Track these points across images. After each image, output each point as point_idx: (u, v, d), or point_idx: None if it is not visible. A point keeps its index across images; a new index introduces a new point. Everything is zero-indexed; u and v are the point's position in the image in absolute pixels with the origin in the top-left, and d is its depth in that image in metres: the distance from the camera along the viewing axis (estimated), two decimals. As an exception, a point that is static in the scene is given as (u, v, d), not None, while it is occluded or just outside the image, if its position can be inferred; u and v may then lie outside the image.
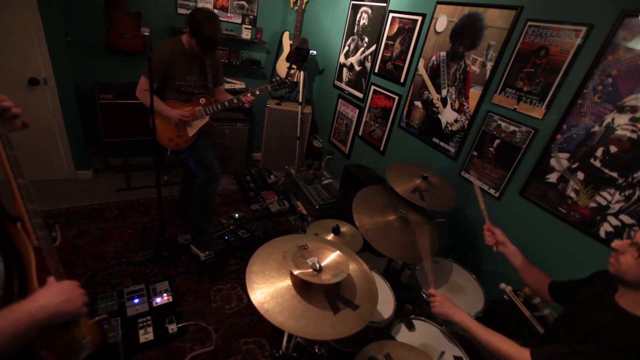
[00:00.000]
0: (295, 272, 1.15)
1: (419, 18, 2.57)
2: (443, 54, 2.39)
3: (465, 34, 2.22)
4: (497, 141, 2.06)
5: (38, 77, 2.65)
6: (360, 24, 3.27)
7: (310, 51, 3.46)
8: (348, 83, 3.54)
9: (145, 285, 2.10)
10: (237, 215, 2.95)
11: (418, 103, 2.64)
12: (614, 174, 1.55)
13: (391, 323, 1.56)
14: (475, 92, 2.18)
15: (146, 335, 1.84)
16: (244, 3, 3.37)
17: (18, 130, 0.92)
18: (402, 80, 2.79)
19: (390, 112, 2.94)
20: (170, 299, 2.05)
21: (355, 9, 3.33)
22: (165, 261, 2.42)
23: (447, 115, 2.39)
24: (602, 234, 1.60)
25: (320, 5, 3.70)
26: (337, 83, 3.73)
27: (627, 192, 1.51)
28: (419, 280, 1.83)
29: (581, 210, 1.68)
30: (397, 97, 2.86)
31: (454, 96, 2.34)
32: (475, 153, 2.20)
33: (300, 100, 3.47)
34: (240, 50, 3.53)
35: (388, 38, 2.92)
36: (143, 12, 2.91)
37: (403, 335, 1.52)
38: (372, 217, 1.84)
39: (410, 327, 1.56)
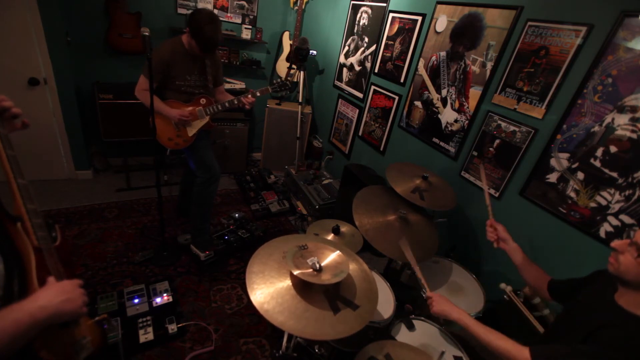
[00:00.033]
0: (295, 272, 1.15)
1: (419, 18, 2.57)
2: (443, 54, 2.39)
3: (465, 34, 2.22)
4: (497, 141, 2.06)
5: (38, 77, 2.65)
6: (360, 24, 3.27)
7: (310, 51, 3.46)
8: (348, 83, 3.54)
9: (145, 285, 2.10)
10: (237, 215, 2.95)
11: (418, 103, 2.64)
12: (614, 174, 1.55)
13: (391, 323, 1.56)
14: (475, 92, 2.18)
15: (146, 335, 1.84)
16: (244, 3, 3.37)
17: (18, 130, 0.92)
18: (402, 80, 2.79)
19: (390, 112, 2.94)
20: (170, 299, 2.05)
21: (355, 9, 3.32)
22: (165, 261, 2.42)
23: (447, 115, 2.39)
24: (602, 234, 1.60)
25: (320, 5, 3.70)
26: (337, 83, 3.73)
27: (627, 192, 1.51)
28: (418, 280, 1.82)
29: (581, 210, 1.68)
30: (397, 97, 2.86)
31: (454, 96, 2.34)
32: (475, 153, 2.20)
33: (300, 100, 3.47)
34: (240, 50, 3.53)
35: (388, 38, 2.92)
36: (143, 12, 2.91)
37: (403, 335, 1.52)
38: (372, 217, 1.84)
39: (410, 327, 1.56)
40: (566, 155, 1.73)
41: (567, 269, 1.74)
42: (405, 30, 2.72)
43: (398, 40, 2.81)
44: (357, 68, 3.36)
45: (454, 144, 2.36)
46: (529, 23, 1.86)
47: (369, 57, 3.17)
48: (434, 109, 2.50)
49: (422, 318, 1.61)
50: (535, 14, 1.85)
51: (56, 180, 3.09)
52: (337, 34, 3.64)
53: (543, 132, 1.83)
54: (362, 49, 3.26)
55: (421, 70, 2.59)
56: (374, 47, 3.10)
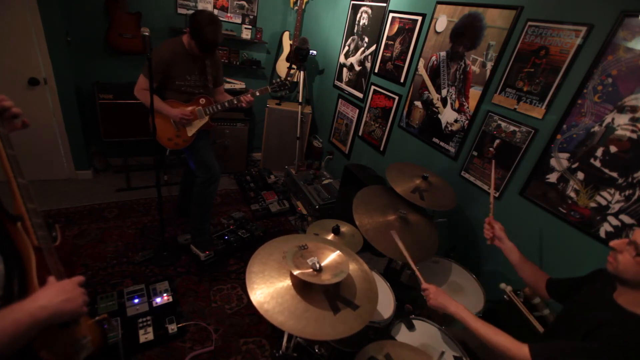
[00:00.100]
0: (295, 272, 1.15)
1: (419, 18, 2.57)
2: (443, 54, 2.39)
3: (465, 34, 2.22)
4: (497, 141, 2.06)
5: (38, 77, 2.65)
6: (360, 24, 3.27)
7: (310, 51, 3.46)
8: (348, 83, 3.54)
9: (145, 285, 2.10)
10: (237, 215, 2.95)
11: (418, 103, 2.64)
12: (614, 174, 1.55)
13: (391, 323, 1.56)
14: (475, 92, 2.18)
15: (146, 335, 1.84)
16: (244, 3, 3.37)
17: (18, 130, 0.92)
18: (402, 80, 2.79)
19: (390, 112, 2.94)
20: (170, 299, 2.05)
21: (355, 9, 3.33)
22: (165, 261, 2.42)
23: (447, 115, 2.39)
24: (602, 234, 1.60)
25: (320, 5, 3.70)
26: (337, 83, 3.73)
27: (627, 192, 1.51)
28: (413, 272, 1.82)
29: (581, 210, 1.68)
30: (397, 97, 2.86)
31: (454, 96, 2.34)
32: (475, 153, 2.20)
33: (300, 100, 3.47)
34: (240, 50, 3.54)
35: (388, 38, 2.92)
36: (143, 12, 2.91)
37: (403, 335, 1.52)
38: (372, 217, 1.84)
39: (410, 327, 1.56)
40: (566, 155, 1.73)
41: (567, 269, 1.74)
42: (405, 30, 2.73)
43: (398, 40, 2.81)
44: (357, 68, 3.36)
45: (454, 144, 2.36)
46: (529, 23, 1.86)
47: (369, 57, 3.17)
48: (434, 109, 2.50)
49: (422, 318, 1.62)
50: (535, 14, 1.85)
51: (56, 180, 3.09)
52: (337, 34, 3.64)
53: (543, 132, 1.83)
54: (362, 49, 3.26)
55: (421, 70, 2.59)
56: (374, 47, 3.10)
